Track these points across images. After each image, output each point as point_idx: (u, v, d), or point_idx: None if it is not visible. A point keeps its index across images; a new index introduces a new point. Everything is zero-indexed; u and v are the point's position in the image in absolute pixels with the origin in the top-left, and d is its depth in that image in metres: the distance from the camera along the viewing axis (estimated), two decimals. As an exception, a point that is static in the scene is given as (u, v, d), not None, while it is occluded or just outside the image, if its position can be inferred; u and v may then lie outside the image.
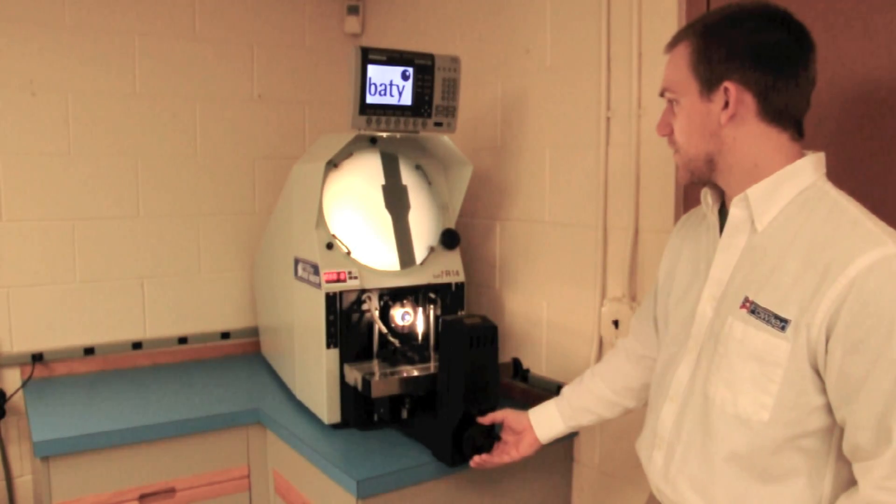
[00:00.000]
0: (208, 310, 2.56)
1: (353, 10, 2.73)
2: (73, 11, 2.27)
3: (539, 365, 2.06)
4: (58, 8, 2.25)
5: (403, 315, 1.89)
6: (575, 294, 1.93)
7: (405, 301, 1.91)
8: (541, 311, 2.05)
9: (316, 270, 1.83)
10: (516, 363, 1.85)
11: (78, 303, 2.33)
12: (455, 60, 1.89)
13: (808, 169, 1.07)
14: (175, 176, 2.47)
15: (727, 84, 1.05)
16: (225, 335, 2.59)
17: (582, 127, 1.89)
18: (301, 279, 1.94)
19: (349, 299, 1.84)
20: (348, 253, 1.86)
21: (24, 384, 2.21)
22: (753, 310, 1.05)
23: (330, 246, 1.84)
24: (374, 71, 1.78)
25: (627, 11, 1.73)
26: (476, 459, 1.56)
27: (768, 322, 1.03)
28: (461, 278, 1.97)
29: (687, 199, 1.64)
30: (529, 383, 2.07)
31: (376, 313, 1.86)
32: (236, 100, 2.57)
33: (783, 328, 1.01)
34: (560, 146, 1.97)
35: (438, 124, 1.91)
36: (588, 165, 1.87)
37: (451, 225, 2.03)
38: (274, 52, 2.63)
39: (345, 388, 1.83)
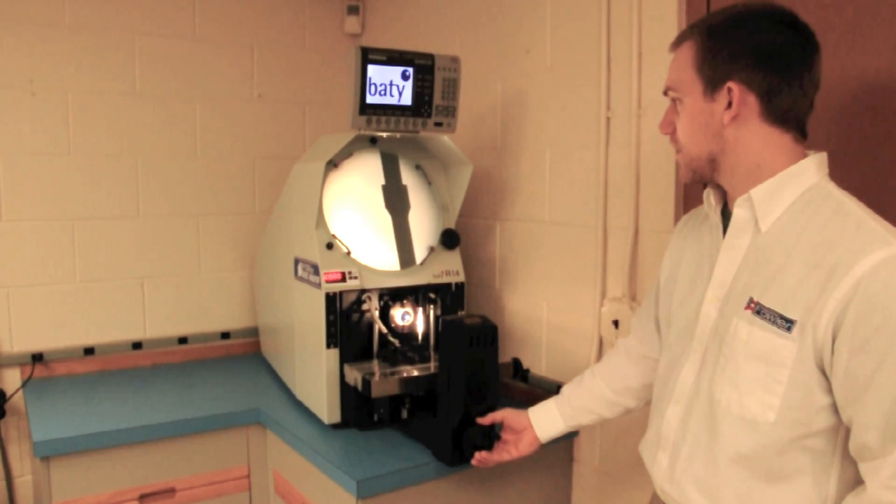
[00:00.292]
0: (208, 310, 2.56)
1: (353, 10, 2.73)
2: (73, 11, 2.26)
3: (539, 365, 2.06)
4: (58, 8, 2.24)
5: (403, 315, 1.89)
6: (575, 294, 1.93)
7: (405, 301, 1.91)
8: (541, 311, 2.05)
9: (316, 270, 1.83)
10: (516, 363, 1.85)
11: (78, 303, 2.33)
12: (455, 60, 1.89)
13: (812, 169, 1.07)
14: (175, 176, 2.47)
15: (731, 84, 1.05)
16: (225, 335, 2.59)
17: (582, 127, 1.89)
18: (301, 279, 1.94)
19: (349, 299, 1.84)
20: (348, 253, 1.86)
21: (24, 384, 2.21)
22: (759, 310, 1.05)
23: (330, 246, 1.84)
24: (374, 71, 1.78)
25: (627, 11, 1.73)
26: (476, 457, 1.56)
27: (774, 323, 1.03)
28: (461, 278, 1.97)
29: (687, 199, 1.64)
30: (529, 383, 2.06)
31: (376, 313, 1.86)
32: (236, 100, 2.57)
33: (789, 329, 1.01)
34: (560, 146, 1.97)
35: (438, 124, 1.91)
36: (588, 165, 1.87)
37: (451, 225, 2.03)
38: (274, 52, 2.63)
39: (345, 388, 1.83)
